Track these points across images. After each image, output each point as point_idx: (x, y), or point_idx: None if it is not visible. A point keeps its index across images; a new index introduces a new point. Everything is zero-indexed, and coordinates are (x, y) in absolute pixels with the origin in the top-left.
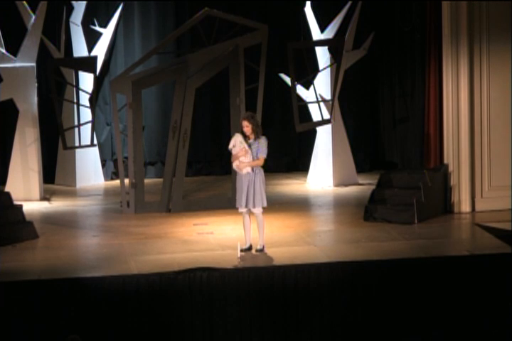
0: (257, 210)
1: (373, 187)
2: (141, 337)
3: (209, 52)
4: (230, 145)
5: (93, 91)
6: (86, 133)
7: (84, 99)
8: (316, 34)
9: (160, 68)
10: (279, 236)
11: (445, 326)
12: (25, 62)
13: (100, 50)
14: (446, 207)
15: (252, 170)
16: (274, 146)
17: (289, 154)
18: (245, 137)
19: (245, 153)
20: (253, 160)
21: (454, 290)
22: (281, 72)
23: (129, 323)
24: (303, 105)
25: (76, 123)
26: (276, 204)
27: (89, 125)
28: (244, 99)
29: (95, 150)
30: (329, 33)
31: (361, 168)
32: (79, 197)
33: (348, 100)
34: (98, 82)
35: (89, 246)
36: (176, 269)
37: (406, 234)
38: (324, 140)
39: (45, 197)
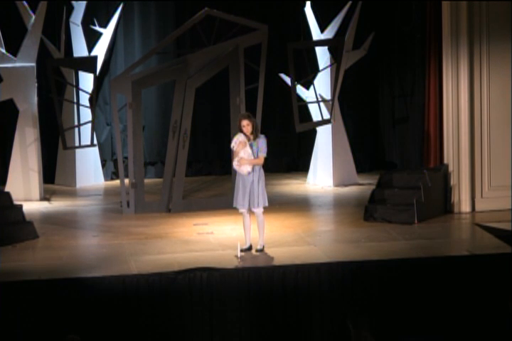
0: (259, 210)
1: (373, 187)
2: (141, 337)
3: (209, 52)
4: (232, 143)
5: (93, 91)
6: (86, 133)
7: (84, 99)
8: (316, 34)
9: (160, 68)
10: (279, 236)
11: (445, 326)
12: (25, 62)
13: (100, 50)
14: (446, 207)
15: (253, 169)
16: (274, 146)
17: (289, 154)
18: (246, 136)
19: (243, 146)
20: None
21: (454, 290)
22: (281, 72)
23: (129, 323)
24: (303, 105)
25: (76, 123)
26: (277, 204)
27: (89, 125)
28: (244, 99)
29: (95, 150)
30: (329, 33)
31: (361, 168)
32: (79, 197)
33: (348, 100)
34: (98, 82)
35: (89, 246)
36: (176, 269)
37: (406, 234)
38: (324, 140)
39: (45, 197)
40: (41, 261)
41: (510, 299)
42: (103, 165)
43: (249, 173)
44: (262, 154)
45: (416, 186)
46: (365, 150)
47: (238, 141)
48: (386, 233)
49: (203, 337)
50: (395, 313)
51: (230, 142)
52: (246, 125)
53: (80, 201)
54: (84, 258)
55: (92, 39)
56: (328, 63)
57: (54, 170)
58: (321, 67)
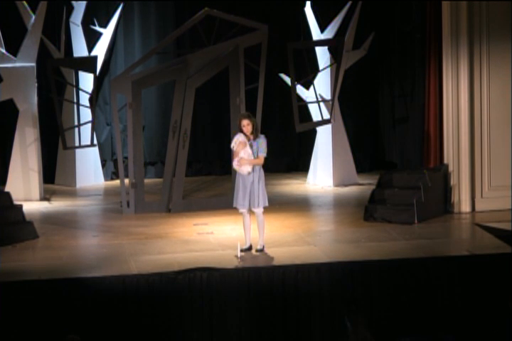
0: (259, 210)
1: (373, 187)
2: (140, 337)
3: (209, 52)
4: (232, 144)
5: (93, 91)
6: (86, 133)
7: (84, 99)
8: (316, 34)
9: (160, 68)
10: (279, 236)
11: (445, 326)
12: (25, 62)
13: (100, 50)
14: (446, 207)
15: (253, 169)
16: (274, 146)
17: (289, 154)
18: (245, 136)
19: (243, 146)
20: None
21: (454, 290)
22: (281, 72)
23: (128, 323)
24: (303, 105)
25: (76, 123)
26: (277, 204)
27: (89, 125)
28: (244, 99)
29: (95, 150)
30: (329, 33)
31: (361, 168)
32: (79, 197)
33: (348, 100)
34: (98, 82)
35: (89, 246)
36: (176, 269)
37: (406, 234)
38: (324, 140)
39: (45, 197)
40: (41, 261)
41: (510, 299)
42: (103, 165)
43: (249, 173)
44: (262, 154)
45: (416, 186)
46: (365, 150)
47: (238, 141)
48: (386, 233)
49: (203, 337)
50: (395, 313)
51: (230, 142)
52: (246, 125)
53: (80, 201)
54: (84, 258)
55: (92, 39)
56: (328, 63)
57: (54, 170)
58: (321, 67)
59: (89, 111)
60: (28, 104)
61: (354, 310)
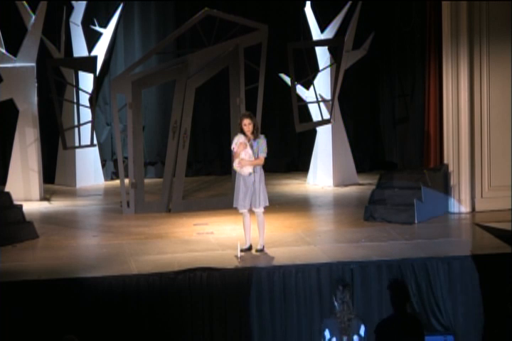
0: (260, 210)
1: (373, 187)
2: (140, 337)
3: (209, 52)
4: (233, 145)
5: (93, 91)
6: (86, 133)
7: (84, 99)
8: (316, 34)
9: (160, 68)
10: (279, 236)
11: (445, 326)
12: (25, 62)
13: (100, 50)
14: (446, 207)
15: (253, 170)
16: (274, 146)
17: (289, 154)
18: (245, 136)
19: (244, 147)
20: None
21: (454, 290)
22: (281, 72)
23: (128, 323)
24: (303, 105)
25: (76, 123)
26: (276, 204)
27: (89, 125)
28: (244, 99)
29: (95, 150)
30: (329, 33)
31: (361, 168)
32: (79, 197)
33: (348, 100)
34: (98, 82)
35: (89, 246)
36: (176, 269)
37: (406, 234)
38: (324, 140)
39: (45, 197)
40: (41, 261)
41: (510, 300)
42: (103, 165)
43: (250, 174)
44: (263, 154)
45: (416, 186)
46: (365, 150)
47: (238, 142)
48: (386, 233)
49: (203, 336)
50: (395, 313)
51: (230, 142)
52: (248, 124)
53: (80, 201)
54: (84, 258)
55: (92, 39)
56: (328, 63)
57: (54, 170)
58: (321, 67)
59: (89, 111)
60: (28, 104)
61: (341, 289)
